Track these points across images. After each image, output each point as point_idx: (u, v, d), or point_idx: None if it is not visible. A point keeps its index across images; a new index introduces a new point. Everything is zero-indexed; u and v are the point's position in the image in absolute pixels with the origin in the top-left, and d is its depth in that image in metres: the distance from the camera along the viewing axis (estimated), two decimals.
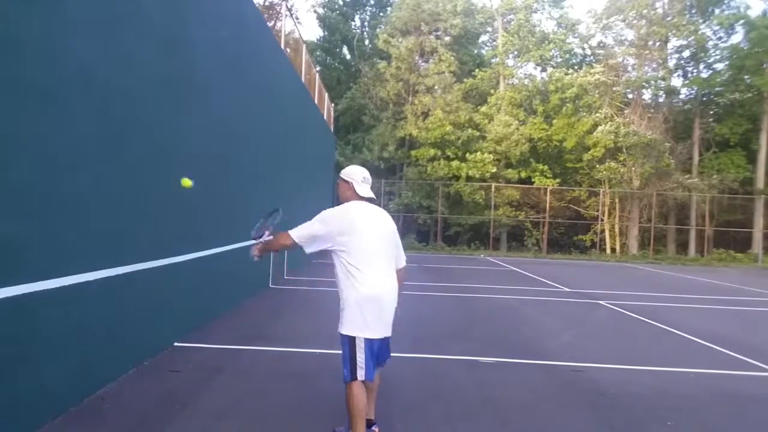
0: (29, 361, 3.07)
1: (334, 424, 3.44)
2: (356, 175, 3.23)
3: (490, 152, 25.32)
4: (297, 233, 3.11)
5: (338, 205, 3.26)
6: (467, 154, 25.20)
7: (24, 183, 2.96)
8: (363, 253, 3.02)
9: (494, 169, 25.20)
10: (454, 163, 25.06)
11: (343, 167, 3.51)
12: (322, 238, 3.07)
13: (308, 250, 3.14)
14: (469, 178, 25.13)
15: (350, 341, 2.96)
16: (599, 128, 24.67)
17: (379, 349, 3.08)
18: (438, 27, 27.20)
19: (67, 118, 3.34)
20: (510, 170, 26.15)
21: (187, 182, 3.81)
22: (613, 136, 24.50)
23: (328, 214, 3.12)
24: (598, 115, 25.27)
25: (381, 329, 3.04)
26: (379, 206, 3.36)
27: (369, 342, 2.98)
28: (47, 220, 3.17)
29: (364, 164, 24.91)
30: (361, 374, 2.94)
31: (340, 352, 3.04)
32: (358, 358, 2.94)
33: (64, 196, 3.34)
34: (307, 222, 3.14)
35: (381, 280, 3.05)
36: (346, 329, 2.98)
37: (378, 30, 28.47)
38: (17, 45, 2.89)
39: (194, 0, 5.57)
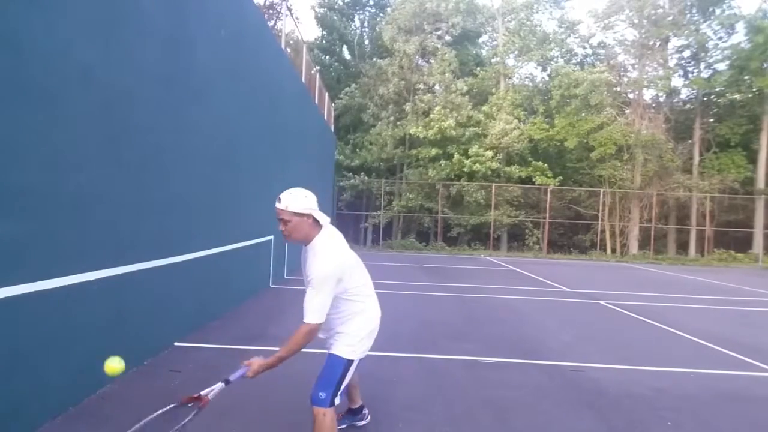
0: (29, 361, 3.07)
1: None
2: (312, 203, 2.72)
3: (492, 148, 25.28)
4: (317, 316, 2.67)
5: (305, 238, 2.76)
6: (469, 150, 25.14)
7: (24, 183, 2.97)
8: (364, 279, 2.93)
9: (496, 165, 25.13)
10: (456, 158, 24.88)
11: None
12: (330, 298, 2.71)
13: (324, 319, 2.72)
14: (471, 175, 25.03)
15: (347, 364, 2.79)
16: (610, 126, 24.63)
17: None
18: (440, 27, 27.18)
19: (67, 118, 3.34)
20: (512, 167, 26.06)
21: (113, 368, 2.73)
22: (620, 135, 24.48)
23: (326, 271, 2.64)
24: (605, 113, 25.22)
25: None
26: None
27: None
28: (47, 220, 3.17)
29: (364, 164, 24.86)
30: (338, 399, 2.78)
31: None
32: (344, 382, 2.79)
33: (64, 196, 3.35)
34: (311, 299, 2.66)
35: (377, 303, 3.04)
36: (348, 353, 2.79)
37: (380, 27, 28.38)
38: (17, 45, 2.89)
39: (194, 0, 5.58)
